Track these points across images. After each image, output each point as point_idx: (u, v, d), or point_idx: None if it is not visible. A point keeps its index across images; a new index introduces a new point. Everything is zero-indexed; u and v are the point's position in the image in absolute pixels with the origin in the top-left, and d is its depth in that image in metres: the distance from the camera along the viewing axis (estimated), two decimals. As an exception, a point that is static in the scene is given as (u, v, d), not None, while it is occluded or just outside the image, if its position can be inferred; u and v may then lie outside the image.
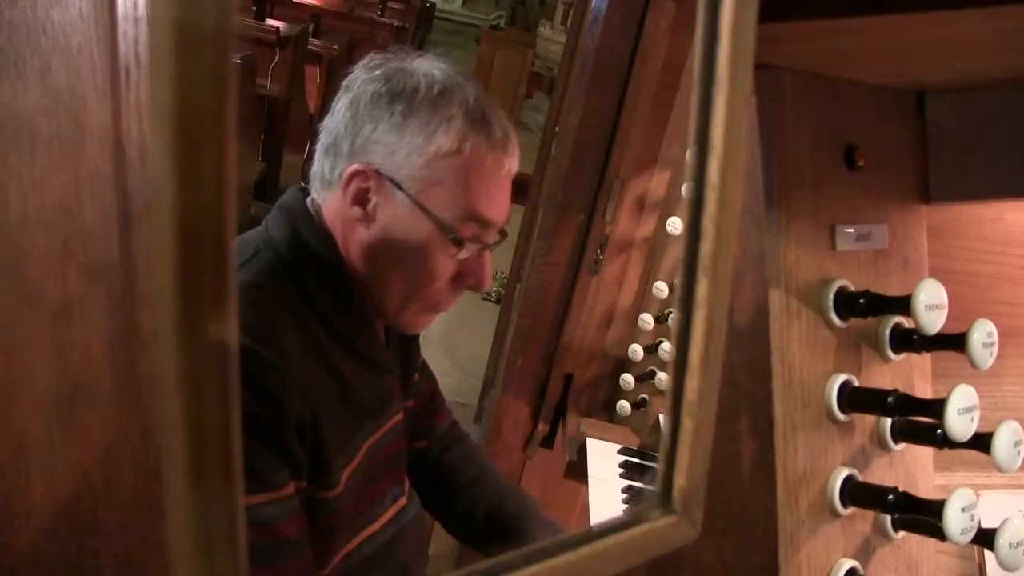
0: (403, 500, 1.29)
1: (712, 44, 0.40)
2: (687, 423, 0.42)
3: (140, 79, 0.52)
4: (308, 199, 1.16)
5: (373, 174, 1.08)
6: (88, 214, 0.54)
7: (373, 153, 1.08)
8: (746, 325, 0.70)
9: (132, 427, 0.55)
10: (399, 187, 1.08)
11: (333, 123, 1.12)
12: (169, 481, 0.26)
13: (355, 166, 1.09)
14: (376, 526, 1.21)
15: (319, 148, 1.14)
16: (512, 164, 1.15)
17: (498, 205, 1.14)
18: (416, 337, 1.35)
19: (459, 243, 1.11)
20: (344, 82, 1.14)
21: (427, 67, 1.12)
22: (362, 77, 1.12)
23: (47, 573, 0.57)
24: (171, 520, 0.27)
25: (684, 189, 1.75)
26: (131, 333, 0.54)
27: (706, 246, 0.40)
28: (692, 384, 0.41)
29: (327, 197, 1.13)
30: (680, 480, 0.42)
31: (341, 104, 1.12)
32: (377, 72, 1.11)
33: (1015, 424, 0.75)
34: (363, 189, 1.09)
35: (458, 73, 1.15)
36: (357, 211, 1.10)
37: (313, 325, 1.08)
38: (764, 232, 0.70)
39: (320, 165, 1.14)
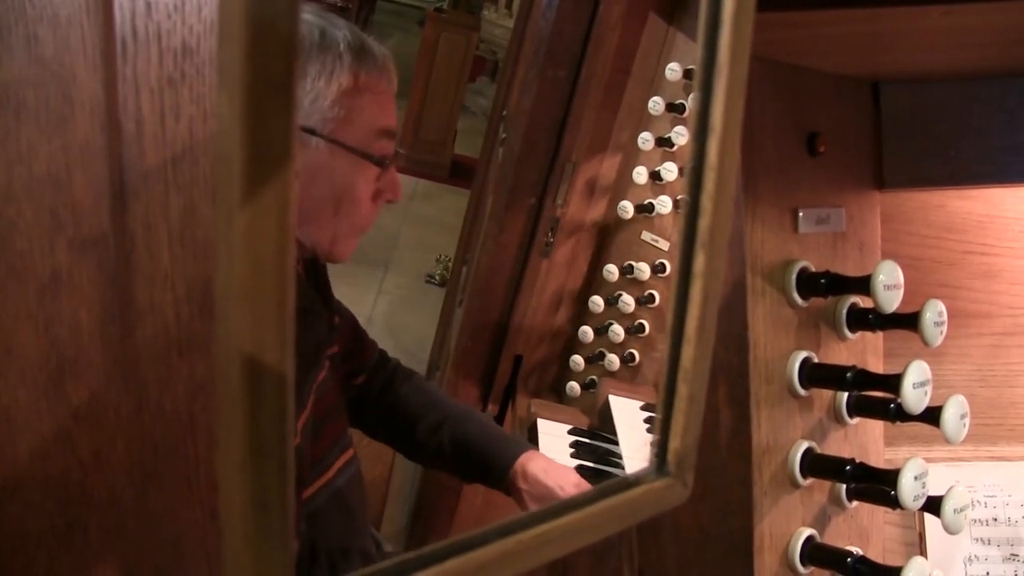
0: (351, 451, 1.32)
1: (714, 30, 0.42)
2: (682, 389, 0.44)
3: (137, 52, 0.52)
4: None
5: None
6: (78, 186, 0.54)
7: None
8: (724, 301, 0.73)
9: (124, 398, 0.55)
10: (313, 133, 1.11)
11: None
12: (225, 438, 0.27)
13: None
14: (330, 474, 1.24)
15: None
16: (393, 77, 1.22)
17: (394, 115, 1.21)
18: (326, 277, 1.37)
19: (383, 164, 1.17)
20: None
21: None
22: None
23: (33, 547, 0.57)
24: (223, 477, 0.28)
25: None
26: (125, 305, 0.54)
27: (704, 222, 0.42)
28: (688, 352, 0.44)
29: None
30: (675, 443, 0.45)
31: None
32: None
33: (962, 398, 0.80)
34: None
35: (319, 10, 1.19)
36: None
37: None
38: (740, 212, 0.73)
39: None
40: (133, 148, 0.52)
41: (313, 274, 1.30)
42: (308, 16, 1.14)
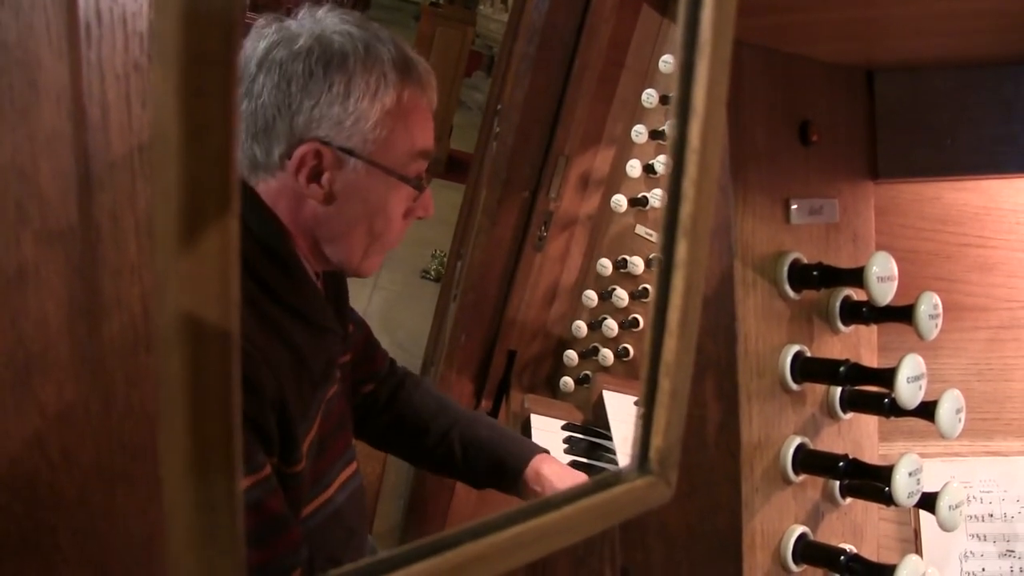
0: (354, 465, 1.30)
1: (696, 8, 0.40)
2: (664, 384, 0.42)
3: (102, 36, 0.50)
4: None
5: (325, 149, 1.08)
6: (44, 176, 0.52)
7: (318, 129, 1.08)
8: (712, 292, 0.71)
9: (93, 396, 0.53)
10: (352, 154, 1.09)
11: (259, 106, 1.08)
12: (166, 433, 0.26)
13: (305, 147, 1.08)
14: (330, 491, 1.22)
15: (243, 133, 1.11)
16: (434, 93, 1.20)
17: (432, 135, 1.20)
18: (345, 289, 1.35)
19: (420, 187, 1.16)
20: (255, 61, 1.09)
21: (337, 25, 1.12)
22: (281, 55, 1.08)
23: (-1, 548, 0.55)
24: (166, 477, 0.26)
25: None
26: (92, 299, 0.52)
27: (686, 209, 0.40)
28: (670, 345, 0.42)
29: (263, 178, 1.12)
30: (657, 440, 0.43)
31: (264, 85, 1.08)
32: (297, 46, 1.08)
33: (957, 392, 0.78)
34: (316, 166, 1.09)
35: (363, 21, 1.16)
36: (315, 189, 1.10)
37: (261, 299, 1.07)
38: (728, 201, 0.71)
39: (249, 150, 1.11)
40: (99, 136, 0.50)
41: (332, 286, 1.29)
42: (352, 29, 1.11)
